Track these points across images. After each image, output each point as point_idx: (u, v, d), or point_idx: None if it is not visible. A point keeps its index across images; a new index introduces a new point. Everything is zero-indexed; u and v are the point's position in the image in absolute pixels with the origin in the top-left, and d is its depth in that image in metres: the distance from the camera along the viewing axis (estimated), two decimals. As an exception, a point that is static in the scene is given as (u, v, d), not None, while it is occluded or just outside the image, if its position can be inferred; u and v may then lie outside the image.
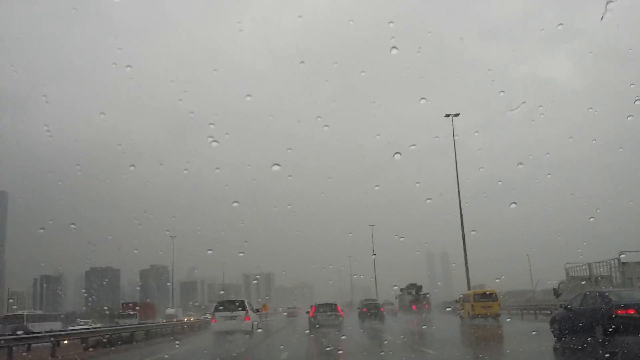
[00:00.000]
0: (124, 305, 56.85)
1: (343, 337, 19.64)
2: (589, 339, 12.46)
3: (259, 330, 22.06)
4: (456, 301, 31.98)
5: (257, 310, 25.96)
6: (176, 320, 42.67)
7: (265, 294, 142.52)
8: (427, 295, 50.04)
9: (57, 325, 37.37)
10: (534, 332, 17.61)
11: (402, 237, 21.85)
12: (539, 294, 50.20)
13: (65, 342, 18.12)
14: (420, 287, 50.19)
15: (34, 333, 19.59)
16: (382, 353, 14.17)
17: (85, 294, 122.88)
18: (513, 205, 16.97)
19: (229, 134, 16.97)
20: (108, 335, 21.34)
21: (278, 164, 13.27)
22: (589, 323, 12.73)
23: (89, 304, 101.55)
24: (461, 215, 33.77)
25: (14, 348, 15.39)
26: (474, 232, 32.64)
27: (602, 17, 12.14)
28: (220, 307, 22.00)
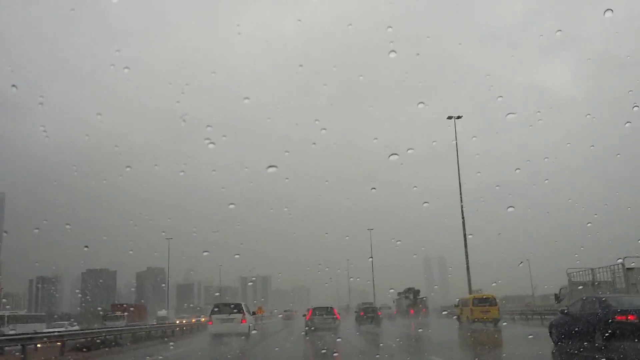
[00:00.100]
0: (114, 306, 55.87)
1: (339, 340, 19.57)
2: (587, 344, 12.35)
3: (254, 332, 21.87)
4: (455, 305, 31.81)
5: (254, 313, 25.91)
6: (168, 323, 41.80)
7: (262, 296, 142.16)
8: (425, 299, 49.94)
9: (41, 327, 35.79)
10: (532, 337, 17.48)
11: (399, 241, 21.78)
12: (536, 299, 50.17)
13: (39, 345, 17.29)
14: (418, 291, 50.09)
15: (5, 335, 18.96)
16: (377, 356, 14.05)
17: (80, 295, 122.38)
18: (510, 209, 16.88)
19: (227, 136, 16.94)
20: (88, 339, 20.27)
21: (274, 166, 13.14)
22: (588, 328, 12.61)
23: (83, 304, 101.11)
24: (463, 219, 33.56)
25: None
26: (470, 236, 32.54)
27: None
28: (217, 310, 22.11)
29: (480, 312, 26.39)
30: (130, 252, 19.05)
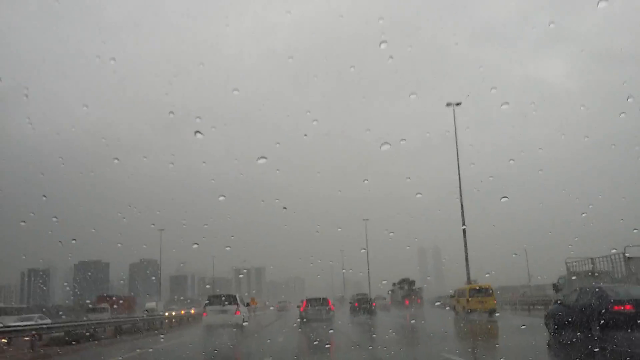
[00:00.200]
0: (100, 298, 54.51)
1: (331, 331, 19.54)
2: (584, 334, 12.30)
3: (245, 324, 21.73)
4: (451, 296, 31.75)
5: (248, 305, 25.96)
6: (157, 315, 40.33)
7: (256, 288, 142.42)
8: (420, 290, 50.08)
9: (9, 320, 34.37)
10: (528, 328, 17.43)
11: (392, 232, 21.63)
12: (531, 289, 50.43)
13: (4, 340, 16.46)
14: (413, 281, 50.21)
15: None
16: (370, 347, 13.97)
17: (68, 287, 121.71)
18: (504, 200, 16.69)
19: (216, 127, 16.56)
20: (63, 332, 19.26)
21: (265, 157, 12.95)
22: (585, 319, 12.58)
23: (71, 297, 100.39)
24: (462, 210, 32.77)
25: None
26: (463, 227, 32.27)
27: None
28: (211, 301, 22.24)
29: (477, 302, 26.33)
30: (119, 244, 18.63)
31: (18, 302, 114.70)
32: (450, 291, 33.34)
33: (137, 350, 15.18)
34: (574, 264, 24.73)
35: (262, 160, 12.81)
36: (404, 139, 15.83)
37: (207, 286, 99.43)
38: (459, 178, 33.17)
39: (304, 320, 24.90)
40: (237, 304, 21.87)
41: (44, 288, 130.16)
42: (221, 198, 14.91)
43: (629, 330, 11.39)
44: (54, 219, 14.52)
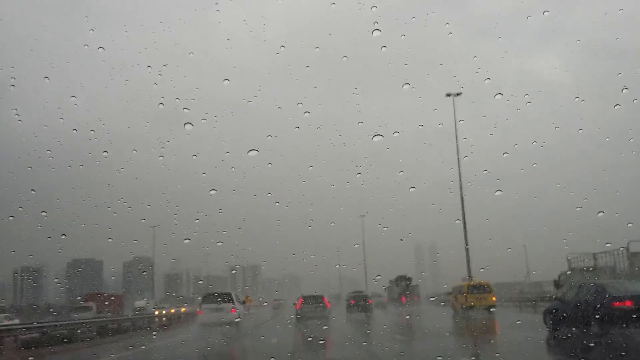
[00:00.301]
0: (86, 296, 52.41)
1: (325, 327, 19.41)
2: (583, 331, 12.21)
3: (237, 320, 21.52)
4: (448, 293, 31.55)
5: (243, 302, 25.83)
6: (146, 313, 38.26)
7: (252, 285, 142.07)
8: (417, 287, 49.96)
9: None
10: (525, 324, 17.32)
11: (386, 227, 21.38)
12: (528, 286, 50.45)
13: None
14: (410, 278, 49.98)
15: None
16: (364, 343, 13.84)
17: (59, 284, 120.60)
18: (498, 193, 16.48)
19: (206, 119, 16.13)
20: (35, 334, 17.46)
21: (255, 150, 12.63)
22: (584, 315, 12.47)
23: (60, 295, 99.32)
24: (462, 203, 31.92)
25: None
26: (458, 222, 31.73)
27: None
28: (207, 299, 22.15)
29: (476, 299, 26.14)
30: (110, 239, 18.19)
31: (11, 301, 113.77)
32: (445, 286, 33.07)
33: (112, 355, 14.49)
34: (576, 259, 24.41)
35: (253, 153, 12.50)
36: (397, 132, 15.55)
37: (200, 282, 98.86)
38: (459, 170, 31.91)
39: (300, 317, 24.73)
40: (233, 301, 21.78)
41: (34, 284, 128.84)
42: (212, 192, 14.64)
43: (629, 327, 11.31)
44: (43, 214, 14.20)
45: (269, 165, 16.82)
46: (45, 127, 17.72)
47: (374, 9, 14.73)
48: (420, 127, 20.88)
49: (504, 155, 17.32)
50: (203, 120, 15.93)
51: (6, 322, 24.45)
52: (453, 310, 28.57)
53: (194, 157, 17.20)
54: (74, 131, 16.54)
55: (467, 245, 31.79)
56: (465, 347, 12.44)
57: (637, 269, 20.60)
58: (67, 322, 21.55)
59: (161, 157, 16.72)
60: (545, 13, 20.27)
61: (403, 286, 48.56)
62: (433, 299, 42.35)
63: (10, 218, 14.56)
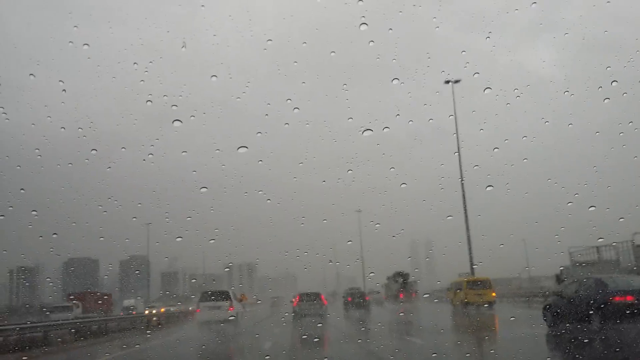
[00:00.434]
0: (70, 296, 50.49)
1: (320, 325, 19.26)
2: (584, 326, 12.08)
3: (231, 318, 21.35)
4: (448, 289, 31.35)
5: (240, 300, 25.79)
6: (135, 313, 37.58)
7: (247, 284, 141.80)
8: (414, 283, 49.93)
9: None
10: (524, 320, 17.19)
11: (378, 224, 21.23)
12: (523, 281, 50.52)
13: None
14: (407, 275, 49.98)
15: None
16: (359, 340, 13.67)
17: (51, 284, 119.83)
18: (489, 189, 16.33)
19: (195, 116, 15.88)
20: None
21: (245, 147, 12.48)
22: (585, 310, 12.32)
23: (54, 294, 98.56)
24: (464, 198, 31.34)
25: None
26: (450, 218, 31.44)
27: None
28: (205, 297, 22.15)
29: (475, 295, 25.97)
30: (101, 238, 17.87)
31: (7, 301, 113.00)
32: (439, 282, 32.86)
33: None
34: (578, 253, 24.03)
35: (242, 150, 12.36)
36: (387, 127, 15.36)
37: (193, 280, 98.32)
38: (459, 162, 31.27)
39: (297, 315, 24.65)
40: (231, 299, 21.83)
41: (28, 284, 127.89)
42: (203, 190, 14.42)
43: (631, 322, 11.20)
44: (34, 213, 13.89)
45: (260, 162, 16.64)
46: (33, 125, 17.36)
47: (360, 3, 14.43)
48: (411, 122, 20.68)
49: (495, 150, 17.18)
50: (192, 117, 15.69)
51: None
52: (452, 306, 28.41)
53: (184, 153, 16.94)
54: (62, 129, 16.24)
55: (469, 242, 31.50)
56: (461, 344, 12.27)
57: None
58: (41, 324, 19.27)
59: (150, 155, 16.42)
60: (532, 5, 19.98)
61: (400, 283, 48.53)
62: (427, 295, 42.25)
63: (1, 217, 14.25)
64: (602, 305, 11.82)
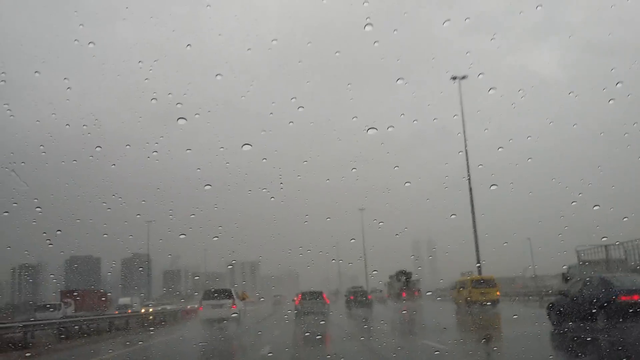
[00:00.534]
0: (63, 294, 48.54)
1: (322, 322, 19.40)
2: (589, 325, 12.00)
3: (234, 315, 21.37)
4: (452, 288, 31.23)
5: (243, 299, 25.97)
6: (130, 312, 36.67)
7: (250, 282, 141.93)
8: (417, 282, 49.79)
9: None
10: (529, 319, 17.11)
11: (382, 222, 21.25)
12: (528, 280, 50.34)
13: None
14: (410, 273, 49.85)
15: None
16: (362, 338, 13.63)
17: (55, 280, 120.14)
18: (493, 188, 16.29)
19: (200, 114, 15.89)
20: None
21: (249, 144, 12.53)
22: (591, 309, 12.24)
23: (55, 293, 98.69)
24: (471, 195, 31.17)
25: None
26: (453, 217, 31.35)
27: None
28: (208, 296, 22.37)
29: (480, 294, 25.81)
30: (105, 235, 17.86)
31: (9, 298, 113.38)
32: (441, 281, 32.82)
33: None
34: (586, 252, 23.70)
35: (247, 147, 12.44)
36: (392, 126, 15.35)
37: (196, 277, 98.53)
38: (467, 160, 30.90)
39: (299, 313, 24.64)
40: (233, 297, 22.07)
41: (31, 281, 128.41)
42: (207, 187, 14.41)
43: (637, 321, 11.12)
44: (38, 209, 13.87)
45: (264, 160, 16.64)
46: (37, 122, 17.37)
47: (365, 4, 14.40)
48: (415, 122, 20.74)
49: (499, 150, 17.11)
50: (196, 116, 15.70)
51: None
52: (455, 305, 28.29)
53: (188, 151, 16.92)
54: (67, 126, 16.26)
55: (476, 241, 31.25)
56: (464, 342, 12.21)
57: None
58: (19, 324, 17.84)
59: (155, 153, 16.42)
60: (538, 8, 19.87)
61: (403, 281, 48.42)
62: (429, 293, 42.19)
63: (5, 214, 14.22)
64: (607, 304, 11.75)
